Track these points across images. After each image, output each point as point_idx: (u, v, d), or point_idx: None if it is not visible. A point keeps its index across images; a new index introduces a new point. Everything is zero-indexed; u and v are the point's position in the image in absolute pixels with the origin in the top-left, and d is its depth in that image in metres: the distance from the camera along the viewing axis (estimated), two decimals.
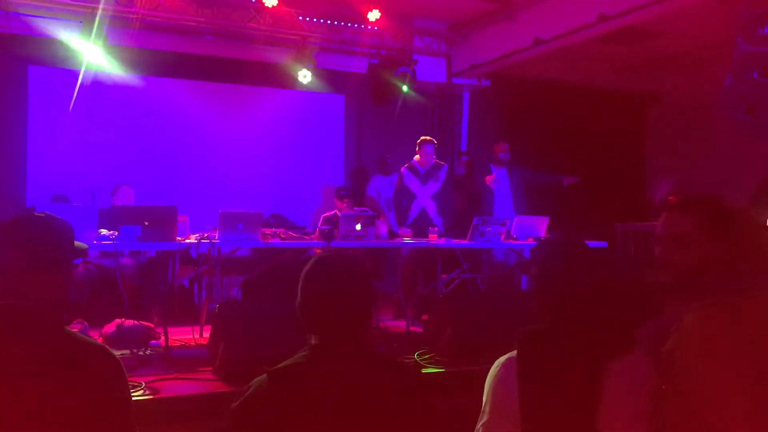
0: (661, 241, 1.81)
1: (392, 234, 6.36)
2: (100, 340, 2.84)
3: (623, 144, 9.45)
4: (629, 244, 7.62)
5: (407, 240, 5.85)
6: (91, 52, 6.05)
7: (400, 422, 1.62)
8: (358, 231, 5.21)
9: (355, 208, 6.02)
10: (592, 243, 5.62)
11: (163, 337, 4.37)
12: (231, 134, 7.71)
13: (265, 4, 6.47)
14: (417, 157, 6.41)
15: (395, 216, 6.60)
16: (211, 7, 6.69)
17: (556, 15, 6.65)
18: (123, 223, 4.38)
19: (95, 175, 6.87)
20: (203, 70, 7.46)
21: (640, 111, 9.91)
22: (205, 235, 4.75)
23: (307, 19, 7.14)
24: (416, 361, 4.16)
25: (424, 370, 3.92)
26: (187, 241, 4.72)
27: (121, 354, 3.98)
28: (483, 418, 1.79)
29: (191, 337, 4.68)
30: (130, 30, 6.36)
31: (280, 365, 1.64)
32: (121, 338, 4.20)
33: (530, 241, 5.73)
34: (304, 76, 7.14)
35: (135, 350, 4.15)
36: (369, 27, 7.30)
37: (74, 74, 6.34)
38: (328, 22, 7.31)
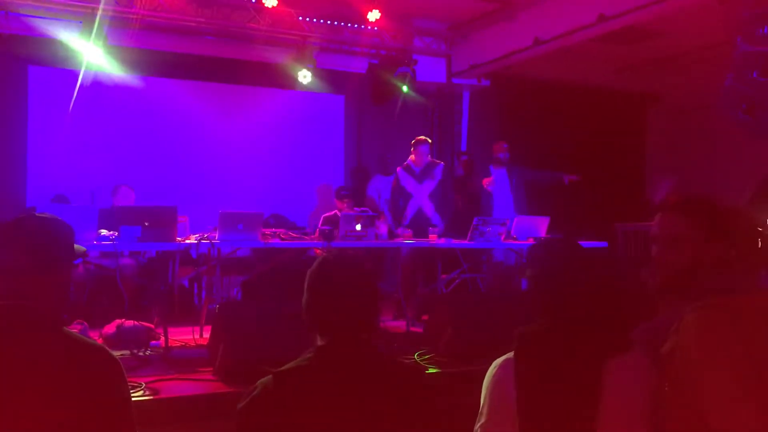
0: (656, 242, 1.82)
1: (392, 234, 6.36)
2: (100, 341, 2.85)
3: (623, 144, 9.45)
4: (629, 244, 7.63)
5: (407, 240, 5.86)
6: (91, 53, 6.06)
7: (406, 423, 1.62)
8: (358, 231, 5.21)
9: (355, 209, 6.03)
10: (592, 243, 5.66)
11: (163, 338, 4.36)
12: (231, 134, 7.72)
13: (265, 5, 6.47)
14: (412, 157, 6.41)
15: (392, 217, 6.59)
16: (211, 7, 6.69)
17: (556, 15, 6.65)
18: (123, 223, 4.39)
19: (95, 176, 6.87)
20: (203, 71, 7.46)
21: (640, 111, 9.91)
22: (205, 235, 4.75)
23: (307, 19, 7.14)
24: (416, 361, 4.16)
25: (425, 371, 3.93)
26: (187, 241, 4.72)
27: (121, 354, 3.98)
28: (481, 420, 1.79)
29: (191, 337, 4.68)
30: (130, 30, 6.37)
31: (285, 366, 1.64)
32: (121, 339, 4.20)
33: (530, 241, 5.73)
34: (304, 77, 7.14)
35: (135, 351, 4.15)
36: (369, 27, 7.30)
37: (74, 74, 6.34)
38: (328, 22, 7.31)
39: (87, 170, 6.89)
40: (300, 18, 7.05)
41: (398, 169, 6.48)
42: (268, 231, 5.11)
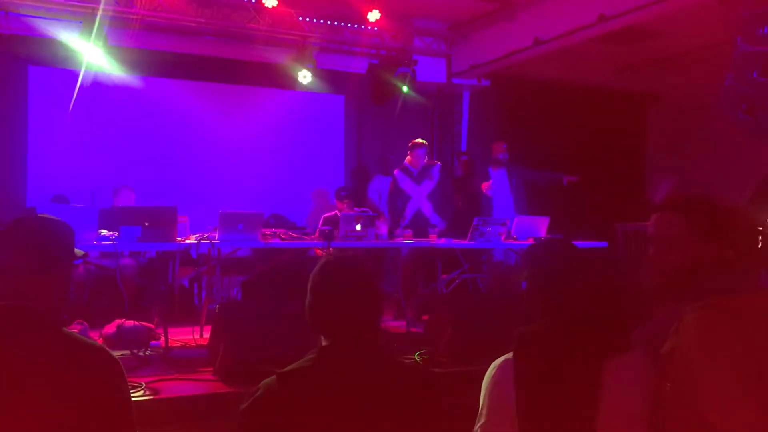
0: (654, 242, 1.81)
1: (392, 234, 6.36)
2: (100, 341, 2.85)
3: (623, 144, 9.45)
4: (629, 244, 7.63)
5: (407, 240, 5.86)
6: (91, 53, 6.05)
7: (410, 423, 1.62)
8: (359, 231, 5.21)
9: (356, 209, 6.02)
10: (592, 243, 5.66)
11: (163, 338, 4.37)
12: (231, 134, 7.72)
13: (265, 5, 6.47)
14: (408, 158, 6.41)
15: (390, 220, 6.58)
16: (211, 8, 6.69)
17: (556, 15, 6.65)
18: (123, 223, 4.39)
19: (95, 176, 6.87)
20: (203, 71, 7.46)
21: (640, 111, 9.91)
22: (206, 235, 4.75)
23: (307, 19, 7.14)
24: (416, 361, 4.16)
25: None
26: (188, 241, 4.72)
27: (122, 354, 3.98)
28: (480, 420, 1.79)
29: (191, 337, 4.68)
30: (130, 30, 6.37)
31: (289, 367, 1.64)
32: (121, 339, 4.20)
33: (530, 241, 5.73)
34: (304, 77, 7.14)
35: (135, 351, 4.15)
36: (369, 27, 7.30)
37: (74, 75, 6.34)
38: (328, 22, 7.31)
39: (87, 170, 6.90)
40: (300, 18, 7.05)
41: (395, 171, 6.47)
42: (268, 231, 5.10)
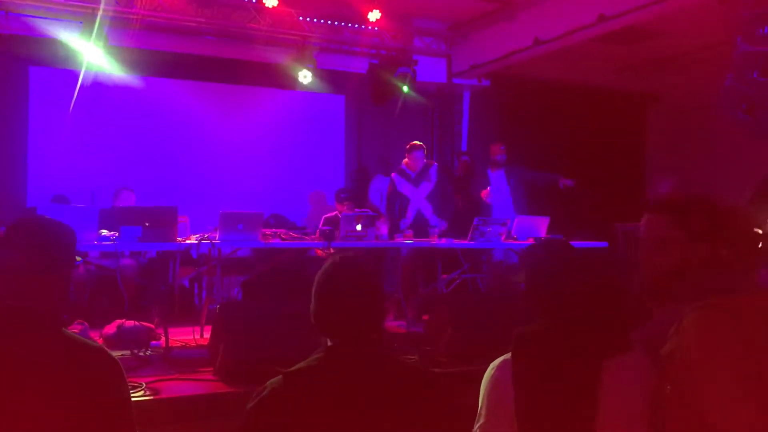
0: (643, 243, 1.80)
1: (392, 235, 6.36)
2: (100, 341, 2.86)
3: (623, 144, 9.44)
4: (629, 244, 7.62)
5: (407, 240, 5.86)
6: (92, 53, 6.05)
7: (414, 424, 1.63)
8: (359, 231, 5.21)
9: (356, 209, 6.02)
10: (592, 243, 5.66)
11: (163, 338, 4.37)
12: (231, 134, 7.72)
13: (265, 5, 6.47)
14: (406, 161, 6.41)
15: (390, 223, 6.56)
16: (211, 8, 6.69)
17: (556, 15, 6.65)
18: (124, 223, 4.39)
19: (95, 176, 6.87)
20: (203, 71, 7.46)
21: (640, 111, 9.90)
22: (206, 235, 4.75)
23: (307, 19, 7.14)
24: (416, 361, 4.16)
25: None
26: (188, 241, 4.73)
27: (122, 355, 3.99)
28: (479, 421, 1.79)
29: (192, 337, 4.68)
30: (131, 30, 6.37)
31: (295, 367, 1.65)
32: (121, 339, 4.21)
33: (531, 241, 5.73)
34: (305, 77, 7.14)
35: (135, 351, 4.15)
36: (369, 27, 7.30)
37: (75, 75, 6.34)
38: (328, 22, 7.31)
39: (87, 170, 6.89)
40: (300, 18, 7.05)
41: (393, 174, 6.47)
42: (268, 231, 5.11)
